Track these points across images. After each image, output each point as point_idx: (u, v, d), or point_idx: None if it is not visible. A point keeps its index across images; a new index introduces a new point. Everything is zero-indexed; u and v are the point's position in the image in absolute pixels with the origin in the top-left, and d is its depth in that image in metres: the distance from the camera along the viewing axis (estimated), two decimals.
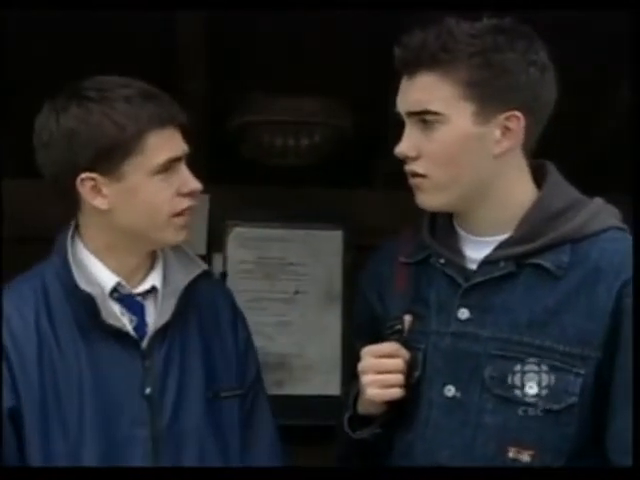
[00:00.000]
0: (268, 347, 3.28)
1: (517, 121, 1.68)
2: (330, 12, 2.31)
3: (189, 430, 1.85)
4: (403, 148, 1.73)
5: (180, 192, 1.81)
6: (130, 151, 1.76)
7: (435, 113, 1.68)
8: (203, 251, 3.31)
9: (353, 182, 3.35)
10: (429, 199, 1.74)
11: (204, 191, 3.35)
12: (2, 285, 1.88)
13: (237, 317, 2.03)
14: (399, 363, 1.74)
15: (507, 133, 1.69)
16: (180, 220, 1.84)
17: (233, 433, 1.92)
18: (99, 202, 1.79)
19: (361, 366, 1.76)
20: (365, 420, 1.81)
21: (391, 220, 1.90)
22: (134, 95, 1.77)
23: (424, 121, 1.69)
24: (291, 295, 3.42)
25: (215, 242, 3.39)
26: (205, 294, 1.97)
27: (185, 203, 1.83)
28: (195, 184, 1.83)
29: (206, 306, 1.96)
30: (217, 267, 3.35)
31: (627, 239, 1.72)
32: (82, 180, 1.78)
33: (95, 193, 1.79)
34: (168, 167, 1.79)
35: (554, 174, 1.78)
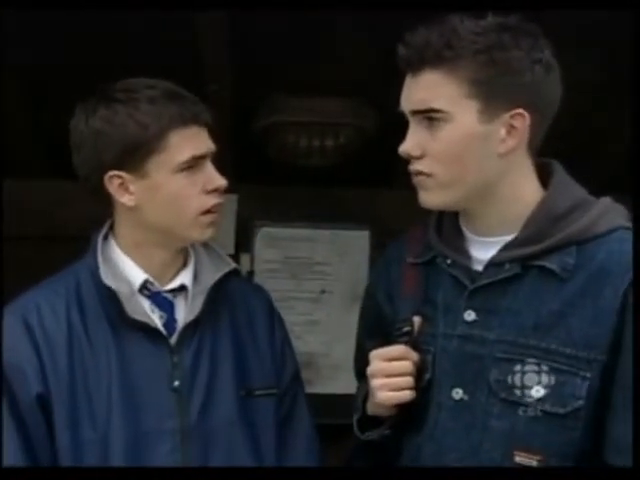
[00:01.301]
0: (296, 346, 3.28)
1: (522, 119, 1.65)
2: (352, 12, 2.31)
3: (219, 425, 1.87)
4: (407, 147, 1.70)
5: (205, 189, 1.84)
6: (153, 149, 1.80)
7: (440, 111, 1.65)
8: (231, 251, 3.34)
9: (379, 182, 3.36)
10: (432, 198, 1.72)
11: (232, 191, 3.39)
12: (2, 285, 1.92)
13: (274, 317, 2.05)
14: (408, 366, 1.73)
15: (512, 132, 1.66)
16: (207, 218, 1.86)
17: (267, 432, 1.94)
18: (126, 199, 1.84)
19: (370, 370, 1.75)
20: (374, 421, 1.80)
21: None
22: (158, 95, 1.81)
23: (428, 120, 1.67)
24: (318, 295, 3.44)
25: (243, 242, 3.42)
26: (237, 293, 2.00)
27: (211, 201, 1.85)
28: (220, 181, 1.86)
29: (239, 305, 1.99)
30: (245, 267, 3.38)
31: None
32: (110, 178, 1.83)
33: (123, 190, 1.83)
34: (192, 165, 1.82)
35: (560, 173, 1.74)
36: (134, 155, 1.80)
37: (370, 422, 1.81)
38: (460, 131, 1.65)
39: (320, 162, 3.15)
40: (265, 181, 3.34)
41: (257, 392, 1.94)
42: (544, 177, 1.74)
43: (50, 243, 3.11)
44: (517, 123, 1.65)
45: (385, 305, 1.88)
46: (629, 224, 1.71)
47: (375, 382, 1.73)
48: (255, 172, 3.24)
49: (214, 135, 1.88)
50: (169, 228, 1.86)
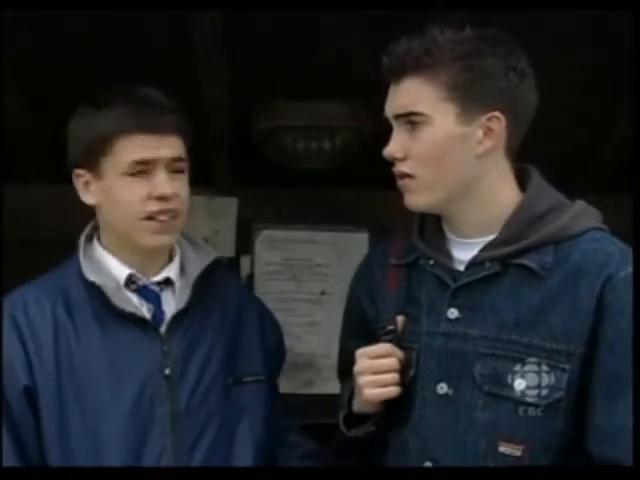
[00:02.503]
0: (297, 347, 3.32)
1: (498, 122, 1.73)
2: (350, 14, 2.32)
3: (208, 412, 1.92)
4: (391, 149, 1.79)
5: (151, 196, 1.87)
6: (105, 151, 1.87)
7: (420, 114, 1.74)
8: (232, 253, 3.36)
9: (378, 185, 3.36)
10: (416, 200, 1.79)
11: (232, 194, 3.39)
12: (2, 286, 1.96)
13: (262, 308, 2.12)
14: (394, 363, 1.79)
15: (489, 133, 1.74)
16: (152, 224, 1.89)
17: (256, 416, 1.99)
18: (87, 197, 1.93)
19: (357, 368, 1.80)
20: (360, 418, 1.85)
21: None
22: (120, 99, 1.88)
23: (410, 123, 1.75)
24: (318, 296, 3.46)
25: (243, 244, 3.44)
26: (223, 283, 2.06)
27: (155, 206, 1.88)
28: (164, 189, 1.87)
29: (225, 295, 2.04)
30: (245, 269, 3.40)
31: (607, 239, 1.76)
32: (76, 176, 1.92)
33: (85, 189, 1.92)
34: (139, 170, 1.87)
35: (537, 178, 1.82)
36: (90, 155, 1.88)
37: (356, 419, 1.86)
38: (440, 133, 1.74)
39: (319, 165, 3.18)
40: (265, 184, 3.36)
41: (245, 379, 1.99)
42: (522, 182, 1.82)
43: (51, 247, 3.12)
44: (493, 125, 1.73)
45: (368, 307, 1.94)
46: (601, 225, 1.80)
47: (362, 379, 1.79)
48: (255, 175, 3.26)
49: (185, 143, 1.90)
50: (122, 231, 1.92)
